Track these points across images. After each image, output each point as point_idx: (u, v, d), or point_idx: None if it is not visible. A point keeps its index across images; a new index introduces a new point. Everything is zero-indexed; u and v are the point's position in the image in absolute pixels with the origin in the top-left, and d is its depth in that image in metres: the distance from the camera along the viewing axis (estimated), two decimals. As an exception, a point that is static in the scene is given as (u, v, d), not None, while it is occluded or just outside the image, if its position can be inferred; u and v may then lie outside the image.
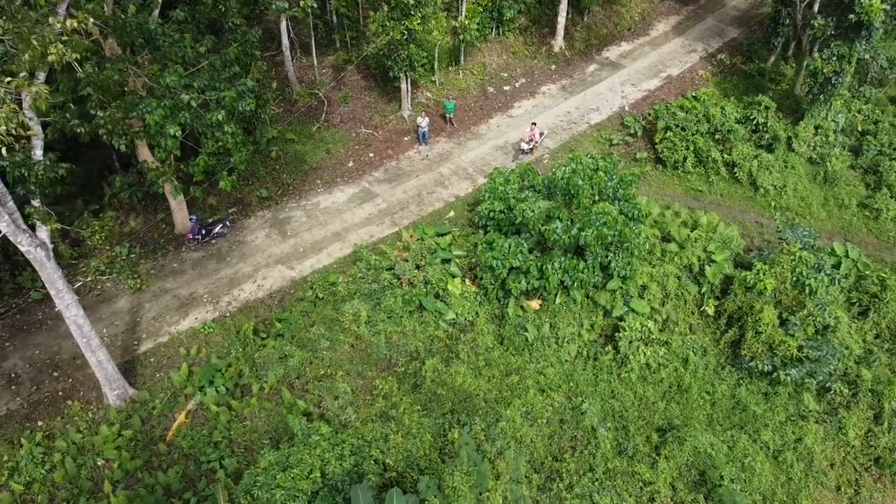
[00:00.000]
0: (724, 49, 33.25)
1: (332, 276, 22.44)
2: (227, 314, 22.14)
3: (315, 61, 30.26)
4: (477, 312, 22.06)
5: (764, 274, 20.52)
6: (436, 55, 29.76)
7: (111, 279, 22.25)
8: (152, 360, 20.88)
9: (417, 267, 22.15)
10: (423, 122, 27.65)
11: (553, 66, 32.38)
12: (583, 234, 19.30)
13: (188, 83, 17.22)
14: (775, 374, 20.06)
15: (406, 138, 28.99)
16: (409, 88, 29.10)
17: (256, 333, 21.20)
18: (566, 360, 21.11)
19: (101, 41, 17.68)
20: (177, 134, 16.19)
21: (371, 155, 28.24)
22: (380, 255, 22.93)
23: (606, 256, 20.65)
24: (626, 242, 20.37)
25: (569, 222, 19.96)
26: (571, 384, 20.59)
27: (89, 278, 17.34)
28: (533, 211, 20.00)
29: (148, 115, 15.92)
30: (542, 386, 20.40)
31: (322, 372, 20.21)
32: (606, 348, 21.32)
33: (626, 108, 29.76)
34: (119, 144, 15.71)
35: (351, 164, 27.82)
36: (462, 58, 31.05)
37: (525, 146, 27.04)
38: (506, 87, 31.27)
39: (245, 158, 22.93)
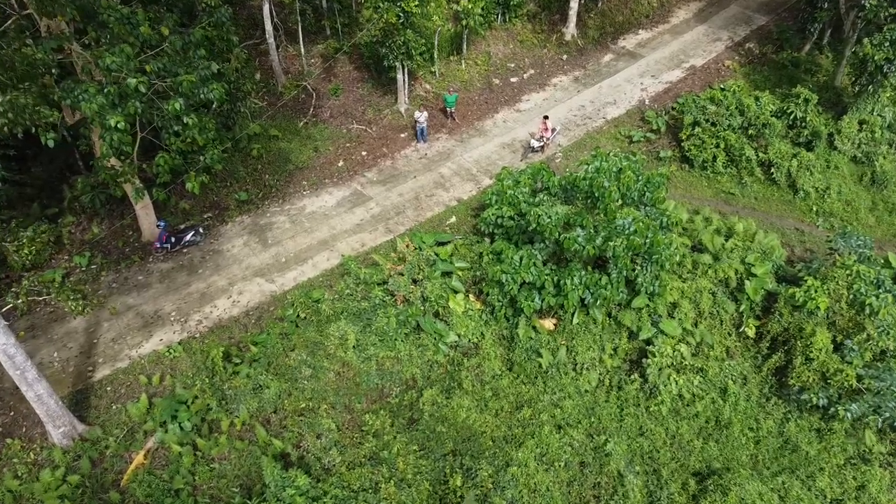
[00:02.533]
0: (752, 37, 30.38)
1: (316, 291, 19.60)
2: (197, 335, 19.37)
3: (302, 50, 27.43)
4: (482, 333, 19.24)
5: (816, 291, 17.66)
6: (435, 43, 26.92)
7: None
8: (108, 389, 18.10)
9: (414, 281, 19.31)
10: (422, 116, 24.82)
11: (564, 56, 29.52)
12: (610, 243, 16.45)
13: (140, 67, 14.42)
14: (832, 408, 17.19)
15: (402, 135, 26.15)
16: (406, 80, 26.26)
17: (228, 359, 18.39)
18: (586, 391, 18.26)
19: (36, 17, 14.86)
20: (120, 126, 13.33)
21: (363, 153, 25.41)
22: (371, 267, 20.09)
23: (633, 270, 17.80)
24: (656, 254, 17.53)
25: (592, 230, 17.11)
26: (593, 419, 17.74)
27: (20, 300, 14.49)
28: (549, 217, 17.16)
29: (84, 104, 13.08)
30: (559, 421, 17.56)
31: (302, 405, 17.40)
32: (632, 376, 18.46)
33: (647, 102, 26.91)
34: (46, 140, 12.87)
35: (341, 163, 25.00)
36: (465, 46, 28.20)
37: (536, 143, 24.21)
38: (513, 79, 28.42)
39: (219, 157, 20.22)
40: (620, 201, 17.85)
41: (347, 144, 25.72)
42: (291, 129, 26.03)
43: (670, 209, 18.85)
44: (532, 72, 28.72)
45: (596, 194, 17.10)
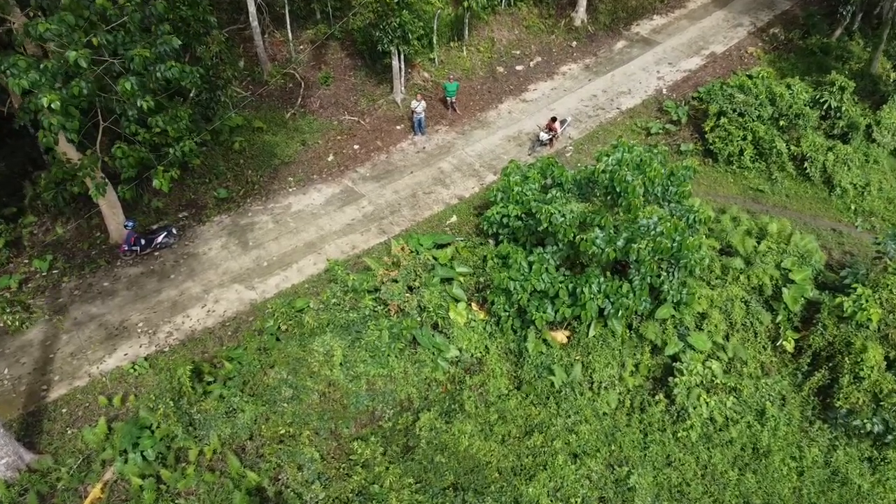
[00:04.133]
0: (777, 22, 28.22)
1: (300, 300, 17.45)
2: (167, 348, 17.26)
3: (290, 36, 25.28)
4: (487, 347, 17.09)
5: (867, 300, 15.50)
6: (434, 27, 24.76)
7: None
8: (64, 410, 15.99)
9: (410, 289, 17.15)
10: (419, 106, 22.66)
11: (574, 43, 27.36)
12: (633, 246, 14.29)
13: (86, 39, 12.25)
14: (887, 435, 15.02)
15: (398, 127, 24.00)
16: (403, 67, 24.11)
17: (200, 377, 16.25)
18: (605, 413, 16.10)
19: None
20: (55, 106, 11.15)
21: (356, 147, 23.25)
22: (362, 272, 17.93)
23: (658, 276, 15.63)
24: (684, 258, 15.37)
25: (612, 231, 14.94)
26: (613, 447, 15.57)
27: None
28: (563, 216, 15.01)
29: (12, 79, 10.91)
30: (575, 449, 15.40)
31: (282, 431, 15.25)
32: (657, 397, 16.30)
33: (664, 91, 24.75)
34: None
35: (331, 157, 22.85)
36: (466, 32, 26.03)
37: (544, 136, 22.07)
38: (518, 67, 26.26)
39: (195, 150, 18.11)
40: (642, 198, 15.67)
41: (338, 137, 23.57)
42: (277, 121, 23.89)
43: (697, 206, 16.68)
44: (539, 59, 26.56)
45: (618, 189, 14.93)
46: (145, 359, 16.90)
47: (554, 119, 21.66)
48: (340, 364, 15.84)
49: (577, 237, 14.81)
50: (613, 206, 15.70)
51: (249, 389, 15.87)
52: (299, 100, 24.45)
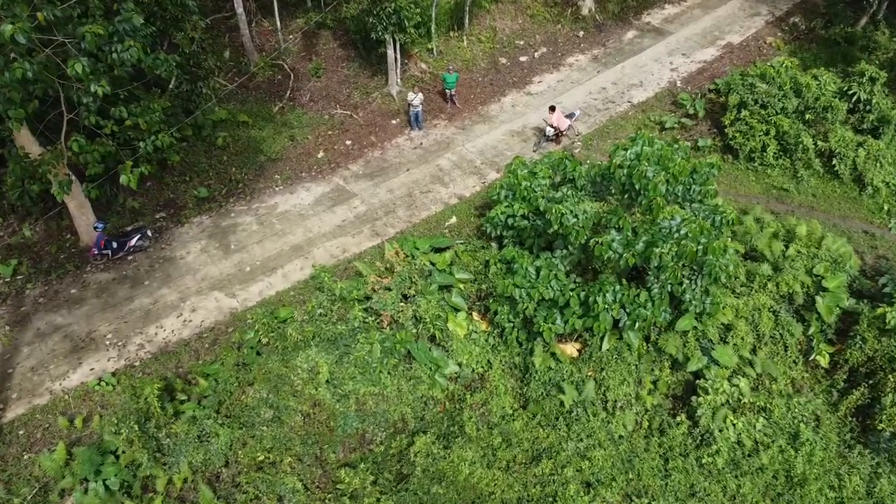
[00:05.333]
0: (797, 11, 26.63)
1: (283, 309, 15.86)
2: (137, 362, 15.70)
3: (279, 24, 23.68)
4: (489, 362, 15.50)
5: (913, 311, 13.91)
6: (433, 15, 23.16)
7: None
8: (21, 433, 14.43)
9: (404, 297, 15.56)
10: (416, 99, 21.06)
11: (581, 33, 25.77)
12: (655, 250, 12.68)
13: (29, 12, 10.66)
14: (939, 463, 13.44)
15: (394, 121, 22.41)
16: (399, 58, 22.52)
17: (171, 395, 14.67)
18: (621, 437, 14.51)
19: None
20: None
21: (348, 143, 21.66)
22: (352, 279, 16.34)
23: (679, 284, 14.03)
24: (709, 264, 13.77)
25: (629, 233, 13.34)
26: (630, 475, 13.97)
27: None
28: (576, 216, 13.41)
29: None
30: (588, 478, 13.80)
31: (261, 457, 13.65)
32: (678, 418, 14.70)
33: (678, 84, 23.15)
34: None
35: (321, 154, 21.26)
36: (466, 20, 24.44)
37: (550, 131, 20.49)
38: (522, 58, 24.68)
39: (172, 144, 16.57)
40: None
41: (329, 132, 21.98)
42: (264, 115, 22.30)
43: (722, 206, 15.06)
44: (544, 50, 24.96)
45: (636, 187, 13.32)
46: (113, 374, 15.33)
47: (553, 108, 19.89)
48: (327, 382, 14.24)
49: (593, 240, 13.18)
50: (631, 206, 14.10)
51: (226, 410, 14.28)
52: (288, 92, 22.86)
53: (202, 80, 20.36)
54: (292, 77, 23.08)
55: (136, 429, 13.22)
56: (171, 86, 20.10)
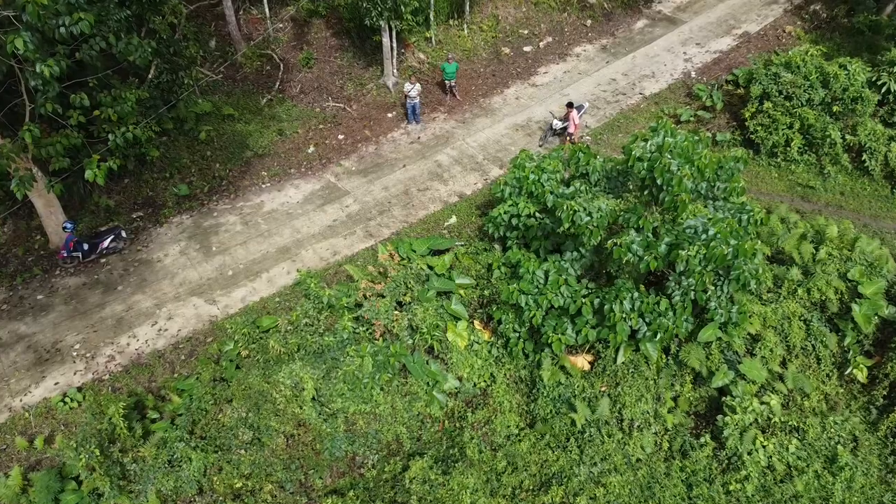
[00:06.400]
0: (817, -1, 25.20)
1: (266, 318, 14.45)
2: (106, 376, 14.35)
3: (268, 12, 22.31)
4: (493, 376, 14.09)
5: (964, 321, 12.48)
6: (431, 1, 21.75)
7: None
8: (-25, 455, 12.99)
9: (399, 305, 14.14)
10: (413, 90, 19.65)
11: (589, 22, 24.36)
12: (681, 253, 11.27)
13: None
14: None
15: (390, 114, 21.01)
16: (395, 46, 21.11)
17: (142, 412, 13.30)
18: (639, 460, 13.08)
19: None
20: None
21: (340, 137, 20.26)
22: (342, 284, 14.92)
23: (704, 291, 12.60)
24: (737, 268, 12.35)
25: (650, 234, 11.93)
26: (651, 504, 12.56)
27: None
28: (589, 214, 11.99)
29: None
30: (603, 507, 12.39)
31: (238, 484, 12.25)
32: (702, 439, 13.27)
33: (693, 75, 21.73)
34: None
35: (312, 149, 19.86)
36: (467, 8, 23.04)
37: (558, 124, 19.08)
38: (526, 48, 23.27)
39: (145, 137, 15.22)
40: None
41: (320, 126, 20.58)
42: (251, 108, 20.89)
43: (749, 205, 13.64)
44: (549, 39, 23.55)
45: (658, 182, 11.89)
46: (79, 389, 13.99)
47: (570, 105, 18.55)
48: (312, 399, 12.81)
49: (610, 242, 11.75)
50: (650, 204, 12.68)
51: (200, 430, 12.87)
52: (277, 84, 21.47)
53: (184, 69, 18.94)
54: (282, 68, 21.68)
55: (98, 453, 11.80)
56: (150, 76, 18.73)
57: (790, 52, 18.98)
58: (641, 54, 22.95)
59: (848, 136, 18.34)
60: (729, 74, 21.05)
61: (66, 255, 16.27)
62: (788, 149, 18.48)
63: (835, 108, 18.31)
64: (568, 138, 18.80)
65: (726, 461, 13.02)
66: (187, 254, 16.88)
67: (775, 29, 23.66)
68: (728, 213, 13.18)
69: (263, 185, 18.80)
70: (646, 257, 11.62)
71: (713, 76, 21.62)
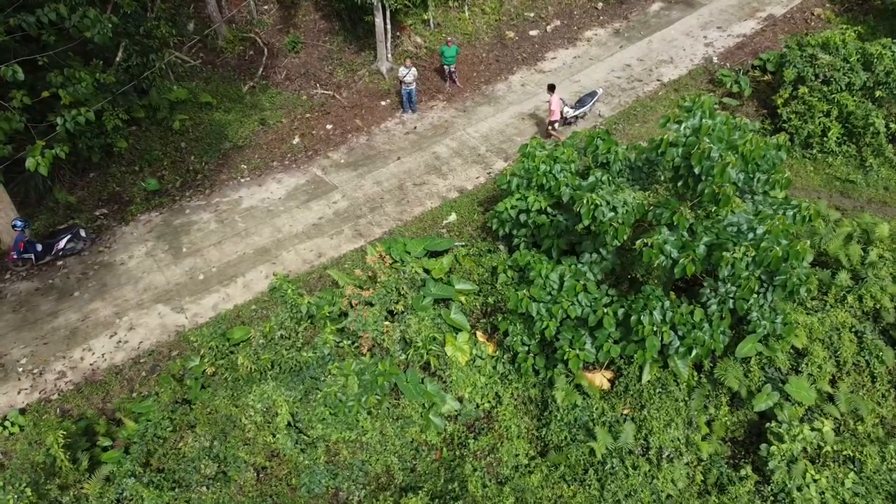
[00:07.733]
0: (846, -21, 23.37)
1: (237, 330, 12.62)
2: (55, 395, 12.58)
3: (251, -8, 20.50)
4: (498, 396, 12.24)
5: None
6: (429, -19, 19.97)
7: None
8: None
9: (390, 315, 12.28)
10: (409, 75, 17.82)
11: (600, 5, 22.56)
12: (726, 255, 9.43)
13: None
14: None
15: (383, 103, 19.18)
16: (389, 29, 19.28)
17: (91, 439, 11.45)
18: (669, 496, 11.21)
19: None
20: None
21: (328, 127, 18.45)
22: (325, 291, 13.07)
23: (745, 299, 10.73)
24: (783, 273, 10.52)
25: (685, 232, 10.08)
26: (685, 551, 10.68)
27: None
28: (613, 208, 10.15)
29: None
30: (629, 555, 10.52)
31: (198, 528, 10.37)
32: (742, 471, 11.39)
33: (715, 60, 19.91)
34: None
35: (297, 140, 18.04)
36: (469, -12, 21.27)
37: (569, 111, 17.27)
38: (532, 32, 21.45)
39: (119, 126, 13.48)
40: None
41: (307, 115, 18.76)
42: (231, 95, 19.09)
43: (795, 200, 11.80)
44: (558, 23, 21.72)
45: (696, 171, 10.03)
46: (22, 411, 12.20)
47: (552, 88, 16.41)
48: (287, 425, 10.95)
49: (639, 241, 9.88)
50: (685, 197, 10.82)
51: (157, 462, 11.01)
52: (260, 70, 19.65)
53: (155, 52, 17.12)
54: (266, 52, 19.88)
55: (30, 493, 9.93)
56: (118, 58, 16.93)
57: (825, 33, 17.15)
58: (658, 38, 21.12)
59: (892, 125, 16.51)
60: (755, 59, 19.22)
61: (16, 256, 14.49)
62: (825, 139, 16.64)
63: (878, 94, 16.47)
64: (549, 127, 16.97)
65: (771, 497, 11.14)
66: (154, 255, 15.06)
67: (803, 11, 21.83)
68: (771, 210, 11.34)
69: (242, 180, 16.98)
70: (681, 260, 9.76)
71: (737, 61, 19.78)
